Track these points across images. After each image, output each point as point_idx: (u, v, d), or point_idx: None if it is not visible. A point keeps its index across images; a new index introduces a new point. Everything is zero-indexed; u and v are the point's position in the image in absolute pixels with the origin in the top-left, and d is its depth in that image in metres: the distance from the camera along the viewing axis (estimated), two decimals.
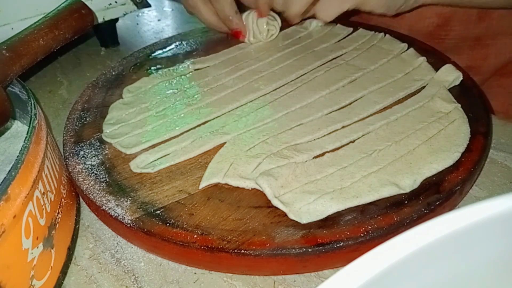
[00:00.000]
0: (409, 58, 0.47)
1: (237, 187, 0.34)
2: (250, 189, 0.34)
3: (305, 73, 0.47)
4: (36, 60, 0.40)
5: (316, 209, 0.31)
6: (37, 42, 0.39)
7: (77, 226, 0.36)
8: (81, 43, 0.68)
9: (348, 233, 0.29)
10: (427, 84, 0.43)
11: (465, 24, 0.55)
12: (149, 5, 0.63)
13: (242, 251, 0.29)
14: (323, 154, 0.36)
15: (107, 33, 0.65)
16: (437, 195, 0.32)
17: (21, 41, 0.39)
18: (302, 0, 0.47)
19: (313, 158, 0.36)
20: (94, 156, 0.39)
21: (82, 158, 0.39)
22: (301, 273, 0.31)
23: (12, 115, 0.41)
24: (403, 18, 0.56)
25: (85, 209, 0.37)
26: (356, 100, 0.42)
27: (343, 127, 0.39)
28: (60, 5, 0.43)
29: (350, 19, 0.60)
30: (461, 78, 0.43)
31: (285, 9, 0.49)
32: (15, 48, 0.38)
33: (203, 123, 0.42)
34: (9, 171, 0.26)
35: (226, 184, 0.35)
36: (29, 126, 0.31)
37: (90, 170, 0.37)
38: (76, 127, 0.43)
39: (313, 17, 0.53)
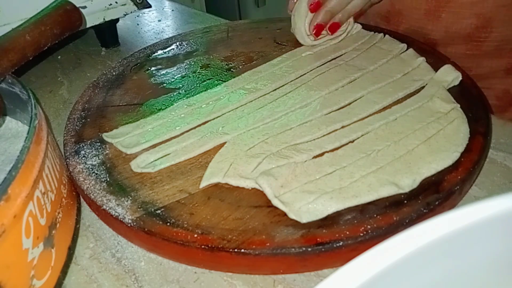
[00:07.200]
0: (409, 58, 0.47)
1: (237, 187, 0.34)
2: (250, 188, 0.34)
3: (305, 73, 0.47)
4: (26, 55, 0.41)
5: (315, 209, 0.31)
6: (23, 38, 0.40)
7: (78, 226, 0.36)
8: (82, 43, 0.68)
9: (347, 232, 0.29)
10: (426, 84, 0.43)
11: (507, 24, 0.51)
12: (149, 6, 0.63)
13: (242, 250, 0.29)
14: (322, 154, 0.36)
15: (107, 34, 0.65)
16: (436, 195, 0.32)
17: (6, 37, 0.40)
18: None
19: (313, 158, 0.36)
20: (94, 156, 0.39)
21: (83, 158, 0.39)
22: (301, 272, 0.31)
23: (4, 111, 0.41)
24: (439, 20, 0.53)
25: (85, 209, 0.37)
26: (356, 100, 0.42)
27: (342, 127, 0.39)
28: (48, 5, 0.44)
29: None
30: (460, 78, 0.43)
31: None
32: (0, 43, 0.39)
33: (203, 123, 0.42)
34: (10, 171, 0.26)
35: (226, 183, 0.35)
36: (29, 126, 0.31)
37: (90, 170, 0.37)
38: (76, 127, 0.43)
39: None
